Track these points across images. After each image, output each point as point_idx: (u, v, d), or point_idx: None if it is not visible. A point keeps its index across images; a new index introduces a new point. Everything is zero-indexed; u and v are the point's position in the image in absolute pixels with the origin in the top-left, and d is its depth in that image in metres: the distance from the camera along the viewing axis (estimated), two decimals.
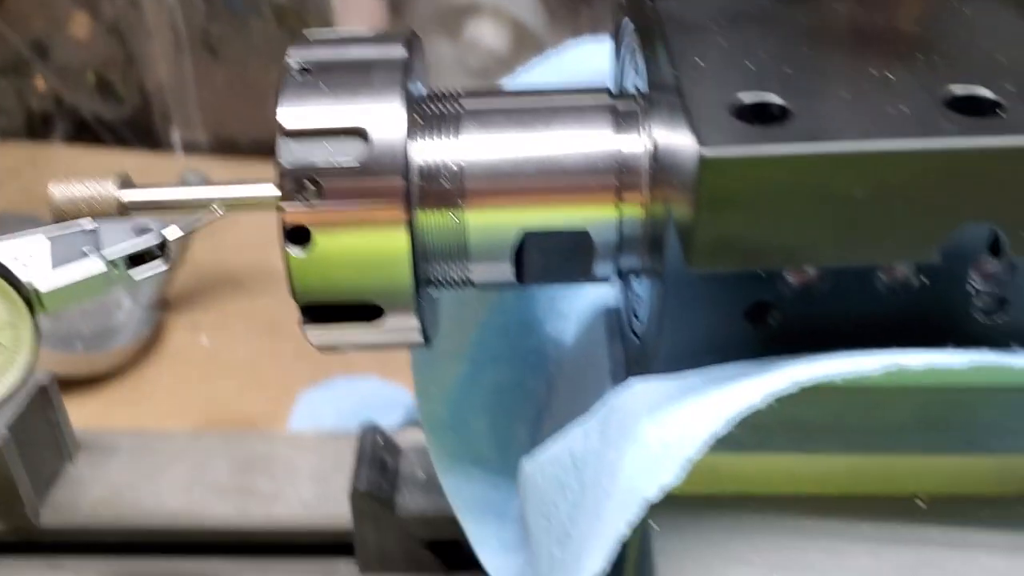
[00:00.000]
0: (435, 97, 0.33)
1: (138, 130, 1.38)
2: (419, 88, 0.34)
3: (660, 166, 0.29)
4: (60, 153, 1.37)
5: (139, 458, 0.58)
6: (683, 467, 0.25)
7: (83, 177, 0.35)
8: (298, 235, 0.31)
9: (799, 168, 0.22)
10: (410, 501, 0.49)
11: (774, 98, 0.23)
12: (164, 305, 1.07)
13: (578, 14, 1.67)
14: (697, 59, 0.25)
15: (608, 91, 0.34)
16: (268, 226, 0.35)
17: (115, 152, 1.36)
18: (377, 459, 0.49)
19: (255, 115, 1.37)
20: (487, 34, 1.72)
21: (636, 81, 0.35)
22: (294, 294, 0.32)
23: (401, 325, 0.33)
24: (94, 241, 0.33)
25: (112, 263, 0.33)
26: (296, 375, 1.02)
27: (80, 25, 1.36)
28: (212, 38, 1.30)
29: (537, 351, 0.45)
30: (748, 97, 0.23)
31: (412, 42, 0.34)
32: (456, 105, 0.33)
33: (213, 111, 1.36)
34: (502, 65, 1.70)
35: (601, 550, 0.26)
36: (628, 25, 0.35)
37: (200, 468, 0.57)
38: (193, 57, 1.31)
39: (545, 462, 0.35)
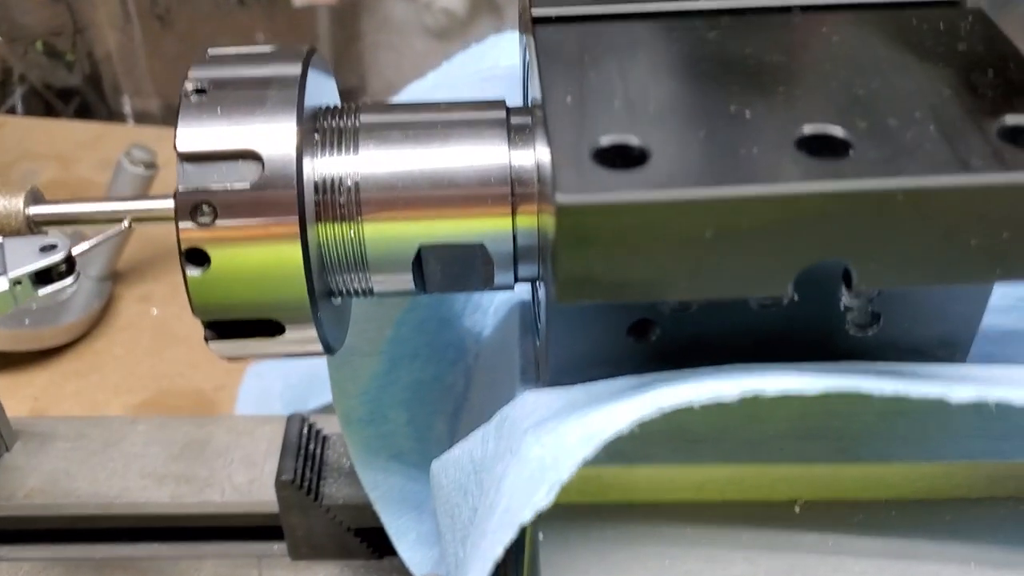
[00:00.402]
0: (333, 112, 0.34)
1: (89, 99, 1.37)
2: (319, 103, 0.34)
3: (542, 190, 0.30)
4: (11, 123, 1.35)
5: (76, 445, 0.59)
6: (555, 490, 0.26)
7: None
8: (195, 256, 0.31)
9: (652, 212, 0.23)
10: (336, 490, 0.50)
11: (634, 139, 0.24)
12: (114, 276, 1.07)
13: None
14: (566, 96, 0.26)
15: (504, 105, 0.34)
16: None
17: (66, 122, 1.35)
18: (303, 448, 0.50)
19: None
20: None
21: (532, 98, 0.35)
22: (194, 311, 0.33)
23: (301, 337, 0.34)
24: None
25: (16, 282, 0.33)
26: None
27: None
28: (160, 7, 1.28)
29: (455, 345, 0.46)
30: (609, 139, 0.24)
31: (309, 57, 0.34)
32: (354, 120, 0.34)
33: (164, 80, 1.35)
34: (460, 25, 1.69)
35: (479, 565, 0.27)
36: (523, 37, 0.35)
37: (136, 455, 0.58)
38: (142, 26, 1.29)
39: (449, 464, 0.36)
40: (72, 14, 1.32)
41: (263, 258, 0.31)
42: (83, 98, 1.36)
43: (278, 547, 0.55)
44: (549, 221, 0.26)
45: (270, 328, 0.33)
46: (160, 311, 1.06)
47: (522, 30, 0.37)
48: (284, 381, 0.97)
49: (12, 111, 1.34)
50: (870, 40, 0.28)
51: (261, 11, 1.31)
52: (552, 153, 0.24)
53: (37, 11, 1.32)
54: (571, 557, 0.30)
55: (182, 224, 0.31)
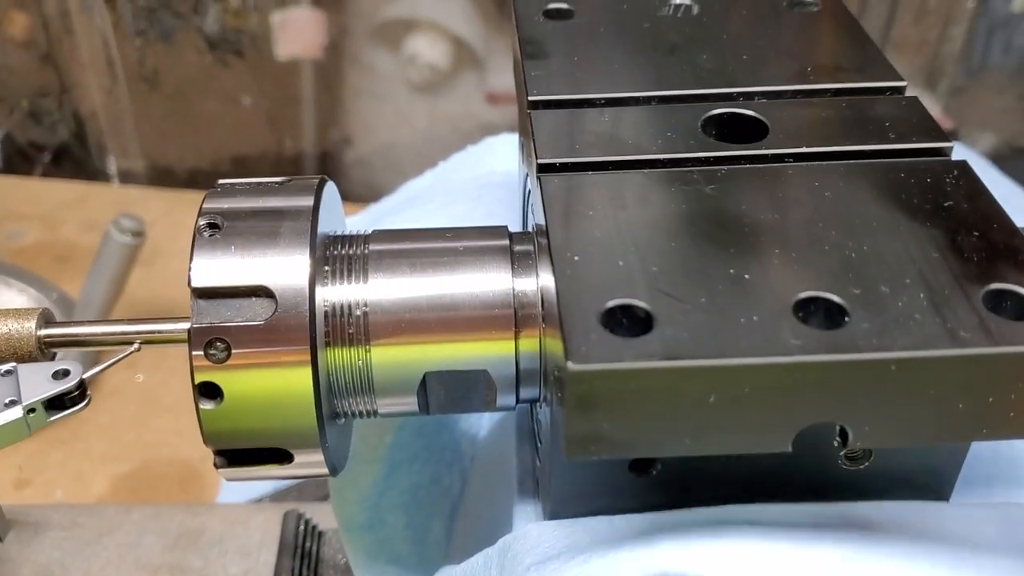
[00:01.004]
0: (343, 240, 0.35)
1: (73, 159, 1.37)
2: (332, 228, 0.36)
3: (548, 323, 0.31)
4: None
5: (70, 535, 0.59)
6: None
7: (4, 313, 0.36)
8: (209, 390, 0.32)
9: (659, 379, 0.24)
10: None
11: (639, 303, 0.25)
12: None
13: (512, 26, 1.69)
14: (574, 255, 0.27)
15: (507, 232, 0.35)
16: None
17: (50, 182, 1.35)
18: (299, 547, 0.51)
19: (192, 144, 1.37)
20: (427, 49, 1.73)
21: (533, 221, 0.37)
22: (205, 441, 0.33)
23: (308, 461, 0.34)
24: (13, 386, 0.34)
25: (31, 410, 0.34)
26: None
27: (16, 26, 1.35)
28: (147, 68, 1.29)
29: (452, 447, 0.47)
30: (615, 302, 0.25)
31: (321, 189, 0.35)
32: (363, 248, 0.35)
33: (150, 140, 1.35)
34: (443, 79, 1.71)
35: None
36: (525, 172, 0.37)
37: (130, 544, 0.58)
38: (129, 87, 1.30)
39: (470, 571, 0.37)
40: (59, 74, 1.33)
41: (274, 387, 0.32)
42: (67, 157, 1.36)
43: None
44: (559, 362, 0.28)
45: (279, 456, 0.34)
46: (146, 378, 1.06)
47: (524, 156, 0.38)
48: None
49: None
50: (862, 196, 0.29)
51: (247, 69, 1.32)
52: (562, 318, 0.25)
53: (24, 70, 1.33)
54: None
55: (195, 356, 0.32)
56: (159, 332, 0.36)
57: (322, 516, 0.54)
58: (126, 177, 1.40)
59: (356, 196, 0.98)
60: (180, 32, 1.25)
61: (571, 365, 0.24)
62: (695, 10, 0.40)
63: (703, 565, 0.26)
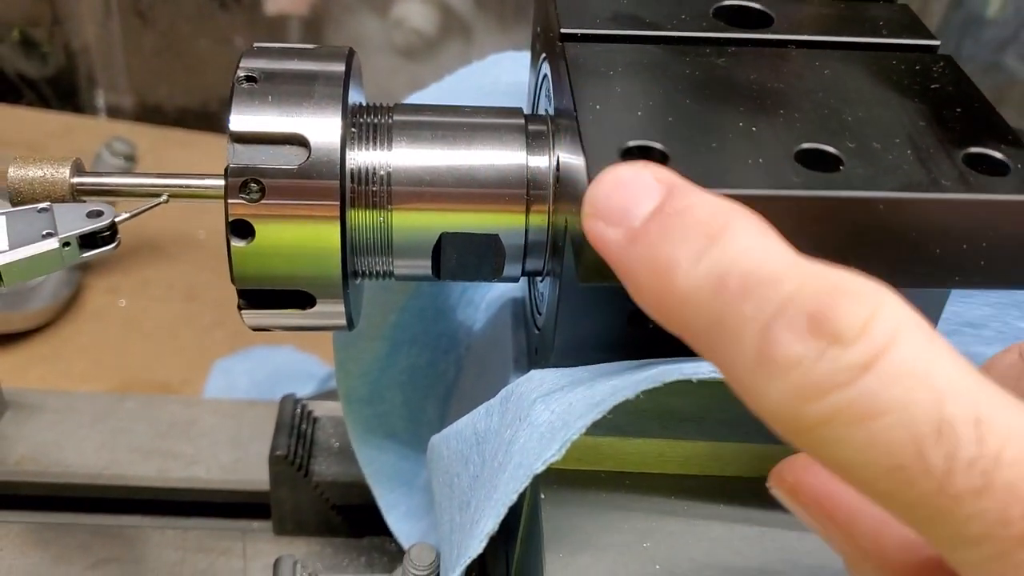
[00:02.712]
0: (369, 109, 0.37)
1: (62, 91, 1.38)
2: (355, 98, 0.38)
3: (561, 190, 0.33)
4: None
5: (64, 418, 0.61)
6: (565, 445, 0.29)
7: (40, 160, 0.38)
8: (241, 228, 0.34)
9: None
10: (324, 467, 0.53)
11: (656, 145, 0.28)
12: (84, 267, 1.08)
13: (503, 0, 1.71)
14: (595, 104, 0.30)
15: (522, 112, 0.38)
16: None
17: (38, 112, 1.36)
18: (295, 427, 0.53)
19: (183, 83, 1.38)
20: (415, 14, 1.75)
21: (547, 103, 0.39)
22: (234, 279, 0.36)
23: (329, 311, 0.37)
24: (49, 221, 0.36)
25: (65, 243, 0.36)
26: (212, 342, 1.04)
27: None
28: (142, 3, 1.30)
29: (449, 335, 0.50)
30: (634, 143, 0.28)
31: (351, 58, 0.37)
32: (388, 117, 0.37)
33: (140, 76, 1.36)
34: (427, 46, 1.73)
35: (493, 514, 0.30)
36: (543, 55, 0.39)
37: (123, 429, 0.60)
38: (122, 21, 1.31)
39: (451, 437, 0.39)
40: (52, 5, 1.34)
41: (304, 236, 0.34)
42: (56, 89, 1.37)
43: (259, 524, 0.57)
44: (572, 219, 0.30)
45: (302, 300, 0.36)
46: (128, 303, 1.07)
47: (539, 49, 0.41)
48: (250, 377, 1.00)
49: None
50: (857, 75, 0.32)
51: (241, 15, 1.33)
52: (585, 153, 0.28)
53: (16, 1, 1.34)
54: (568, 514, 0.33)
55: (231, 199, 0.34)
56: (188, 186, 0.38)
57: (316, 407, 0.56)
58: (114, 112, 1.40)
59: None
60: None
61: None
62: None
63: (701, 372, 0.29)
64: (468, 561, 0.31)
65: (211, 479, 0.58)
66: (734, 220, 0.22)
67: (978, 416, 0.18)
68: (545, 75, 0.40)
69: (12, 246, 0.35)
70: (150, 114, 1.38)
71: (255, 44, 0.38)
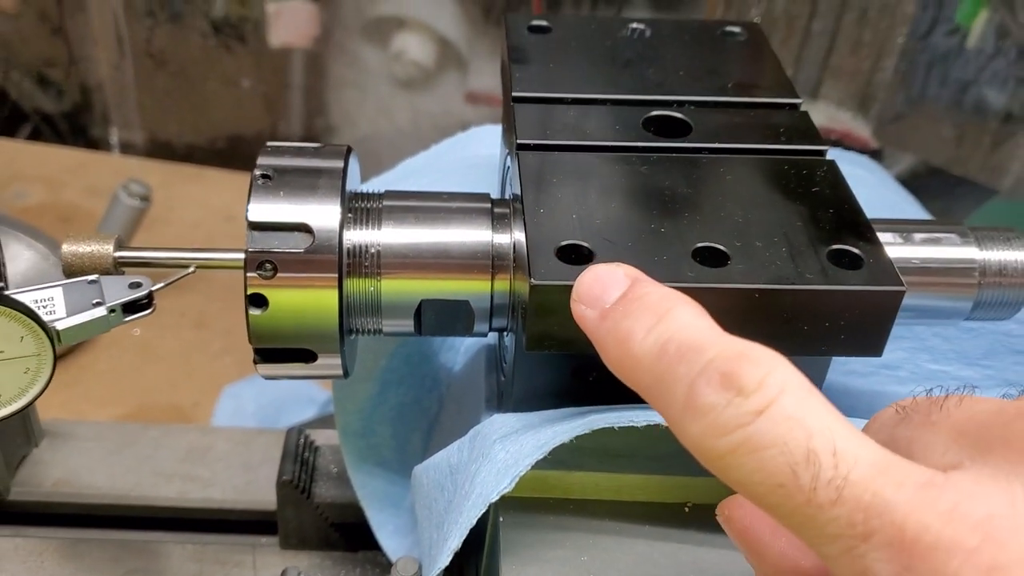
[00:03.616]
0: (363, 196, 0.45)
1: (77, 127, 1.46)
2: (352, 185, 0.46)
3: (517, 267, 0.41)
4: (2, 146, 1.44)
5: (94, 445, 0.69)
6: (515, 480, 0.37)
7: (88, 237, 0.46)
8: (257, 300, 0.42)
9: None
10: (324, 490, 0.61)
11: (585, 244, 0.36)
12: None
13: (497, 30, 1.80)
14: (539, 208, 0.38)
15: (489, 197, 0.46)
16: (201, 228, 0.46)
17: (54, 147, 1.44)
18: (299, 455, 0.61)
19: (192, 120, 1.46)
20: (413, 47, 1.83)
21: (509, 191, 0.47)
22: (251, 340, 0.43)
23: (328, 363, 0.45)
24: (98, 291, 0.44)
25: (112, 310, 0.44)
26: (222, 368, 1.12)
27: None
28: (154, 46, 1.38)
29: (432, 376, 0.57)
30: (566, 242, 0.36)
31: (348, 154, 0.45)
32: (378, 203, 0.45)
33: (151, 114, 1.44)
34: (425, 77, 1.81)
35: (458, 533, 0.38)
36: (506, 151, 0.47)
37: (147, 456, 0.68)
38: (135, 62, 1.39)
39: (431, 467, 0.47)
40: (69, 47, 1.42)
41: (308, 303, 0.42)
42: (70, 126, 1.45)
43: (267, 540, 0.65)
44: (523, 291, 0.38)
45: (306, 356, 0.44)
46: (142, 332, 1.15)
47: (505, 141, 0.49)
48: (256, 402, 1.08)
49: (4, 134, 1.43)
50: (752, 179, 0.40)
51: (247, 54, 1.41)
52: (528, 250, 0.36)
53: (36, 41, 1.42)
54: (521, 533, 0.41)
55: (249, 275, 0.42)
56: (212, 259, 0.45)
57: (318, 436, 0.64)
58: (126, 148, 1.49)
59: None
60: (188, 15, 1.34)
61: (533, 280, 0.35)
62: (648, 33, 0.51)
63: (621, 420, 0.37)
64: (438, 571, 0.38)
65: (225, 499, 0.65)
66: (677, 305, 0.30)
67: (835, 448, 0.26)
68: (508, 166, 0.48)
69: (69, 313, 0.43)
70: (160, 150, 1.46)
71: (268, 144, 0.46)
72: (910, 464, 0.26)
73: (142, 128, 1.48)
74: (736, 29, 0.51)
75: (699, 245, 0.36)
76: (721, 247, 0.36)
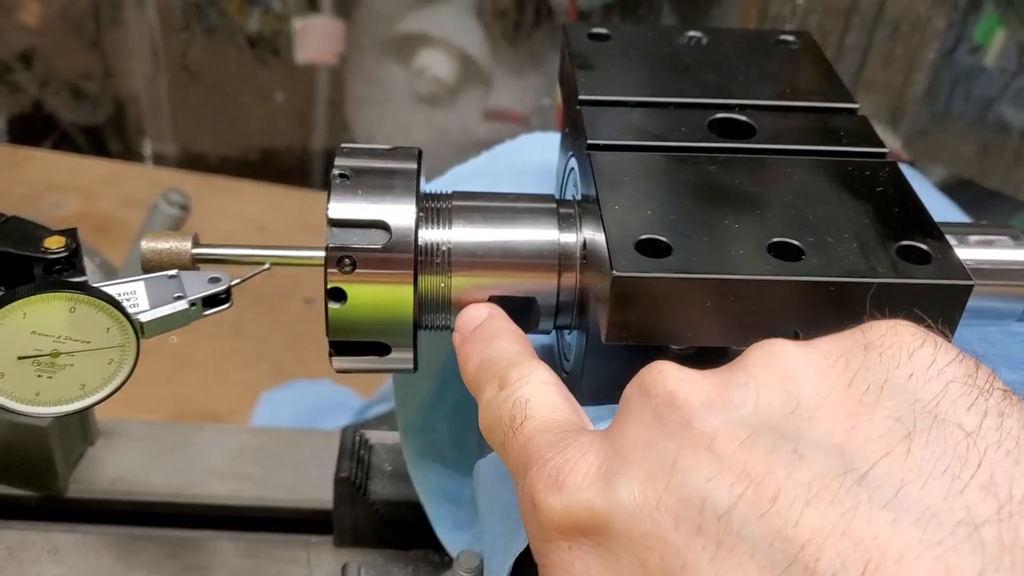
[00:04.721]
0: (433, 197, 0.47)
1: (111, 139, 1.48)
2: (422, 187, 0.47)
3: (588, 265, 0.42)
4: (38, 157, 1.46)
5: (147, 445, 0.70)
6: None
7: (166, 235, 0.47)
8: (337, 294, 0.44)
9: (673, 287, 0.36)
10: (379, 488, 0.62)
11: (663, 238, 0.37)
12: None
13: (518, 48, 1.82)
14: (615, 204, 0.39)
15: (554, 198, 0.47)
16: (234, 239, 0.47)
17: (89, 159, 1.46)
18: (355, 453, 0.62)
19: (225, 133, 1.49)
20: (436, 63, 1.85)
21: (574, 190, 0.48)
22: (329, 333, 0.45)
23: (401, 357, 0.46)
24: (179, 286, 0.45)
25: (192, 304, 0.45)
26: (256, 376, 1.13)
27: (29, 13, 1.46)
28: (189, 59, 1.41)
29: None
30: (645, 236, 0.37)
31: (420, 156, 0.47)
32: (448, 203, 0.46)
33: (185, 127, 1.46)
34: (447, 94, 1.83)
35: None
36: (569, 152, 0.49)
37: (200, 455, 0.69)
38: (169, 75, 1.42)
39: (494, 460, 0.48)
40: (104, 60, 1.44)
41: (385, 297, 0.44)
42: (105, 137, 1.47)
43: (318, 538, 0.66)
44: (598, 286, 0.39)
45: (380, 349, 0.45)
46: (179, 340, 1.17)
47: (566, 146, 0.50)
48: (293, 408, 1.09)
49: (41, 146, 1.45)
50: (818, 180, 0.41)
51: (281, 68, 1.44)
52: (608, 244, 0.37)
53: (72, 55, 1.44)
54: None
55: (329, 270, 0.43)
56: (289, 257, 0.47)
57: (370, 435, 0.65)
58: (159, 159, 1.51)
59: None
60: (223, 29, 1.36)
61: (615, 272, 0.36)
62: (704, 42, 0.52)
63: None
64: (517, 553, 0.40)
65: (278, 498, 0.67)
66: (500, 334, 0.43)
67: (525, 415, 0.37)
68: (572, 168, 0.49)
69: (152, 306, 0.45)
70: (193, 162, 1.48)
71: (343, 144, 0.48)
72: (573, 428, 0.36)
73: (175, 140, 1.50)
74: (790, 38, 0.53)
75: (773, 240, 0.38)
76: (795, 242, 0.38)
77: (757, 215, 0.39)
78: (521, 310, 0.46)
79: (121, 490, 0.67)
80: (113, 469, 0.68)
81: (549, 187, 0.57)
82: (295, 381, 1.11)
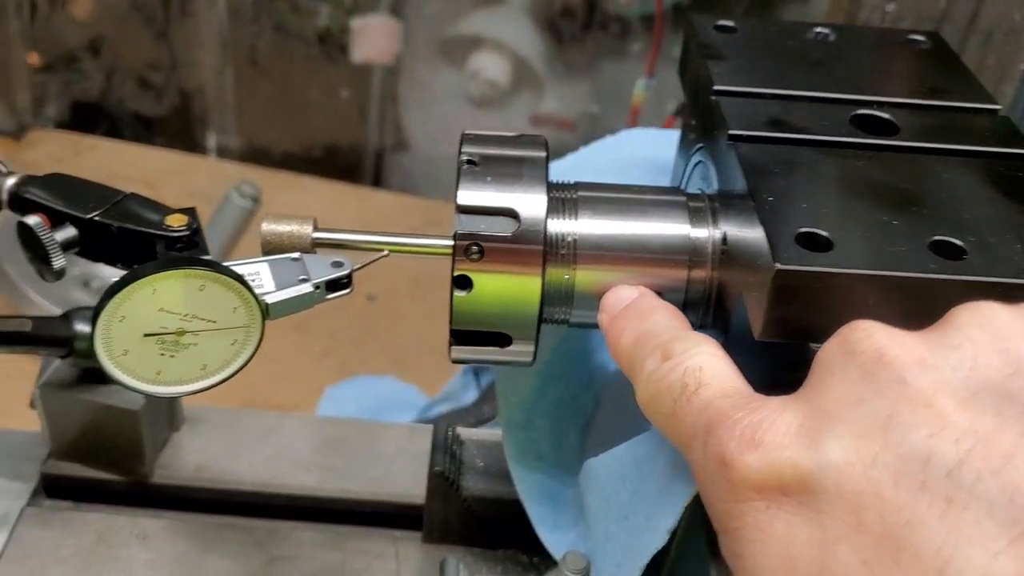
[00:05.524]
0: (557, 187, 0.46)
1: (175, 131, 1.48)
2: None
3: (732, 260, 0.41)
4: (101, 145, 1.47)
5: (232, 432, 0.70)
6: None
7: (287, 218, 0.47)
8: (463, 282, 0.43)
9: (839, 282, 0.35)
10: (472, 483, 0.61)
11: (822, 232, 0.36)
12: None
13: (572, 51, 1.81)
14: (768, 196, 0.38)
15: (681, 191, 0.46)
16: None
17: (152, 149, 1.46)
18: (448, 448, 0.61)
19: (289, 128, 1.49)
20: (489, 66, 1.84)
21: (701, 184, 0.47)
22: (452, 322, 0.44)
23: (521, 349, 0.45)
24: (302, 268, 0.45)
25: (316, 287, 0.44)
26: (322, 371, 1.13)
27: (80, 7, 1.46)
28: (257, 53, 1.41)
29: (588, 374, 0.58)
30: (804, 229, 0.36)
31: (547, 144, 0.46)
32: (574, 194, 0.45)
33: (250, 120, 1.47)
34: (500, 96, 1.82)
35: (672, 511, 0.38)
36: (697, 145, 0.47)
37: (285, 444, 0.69)
38: (236, 68, 1.42)
39: (609, 461, 0.47)
40: (172, 51, 1.44)
41: (512, 288, 0.43)
42: (169, 129, 1.47)
43: (402, 533, 0.65)
44: (748, 287, 0.38)
45: (501, 340, 0.44)
46: None
47: (693, 139, 0.49)
48: (357, 404, 1.09)
49: (104, 134, 1.45)
50: (969, 178, 0.40)
51: (347, 65, 1.43)
52: (768, 235, 0.36)
53: (140, 45, 1.44)
54: None
55: (457, 258, 0.42)
56: (411, 244, 0.46)
57: (460, 430, 0.64)
58: (223, 152, 1.51)
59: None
60: (292, 24, 1.36)
61: (779, 265, 0.35)
62: (832, 37, 0.51)
63: None
64: (654, 551, 0.38)
65: (363, 491, 0.66)
66: (657, 310, 0.41)
67: (700, 383, 0.36)
68: (699, 161, 0.48)
69: (277, 288, 0.44)
70: (257, 156, 1.48)
71: (466, 131, 0.47)
72: (751, 393, 0.35)
73: (239, 134, 1.50)
74: (920, 37, 0.51)
75: (934, 239, 0.36)
76: (957, 241, 0.36)
77: (913, 212, 0.38)
78: None
79: (206, 477, 0.66)
80: (198, 456, 0.67)
81: (658, 182, 0.56)
82: (359, 377, 1.10)
